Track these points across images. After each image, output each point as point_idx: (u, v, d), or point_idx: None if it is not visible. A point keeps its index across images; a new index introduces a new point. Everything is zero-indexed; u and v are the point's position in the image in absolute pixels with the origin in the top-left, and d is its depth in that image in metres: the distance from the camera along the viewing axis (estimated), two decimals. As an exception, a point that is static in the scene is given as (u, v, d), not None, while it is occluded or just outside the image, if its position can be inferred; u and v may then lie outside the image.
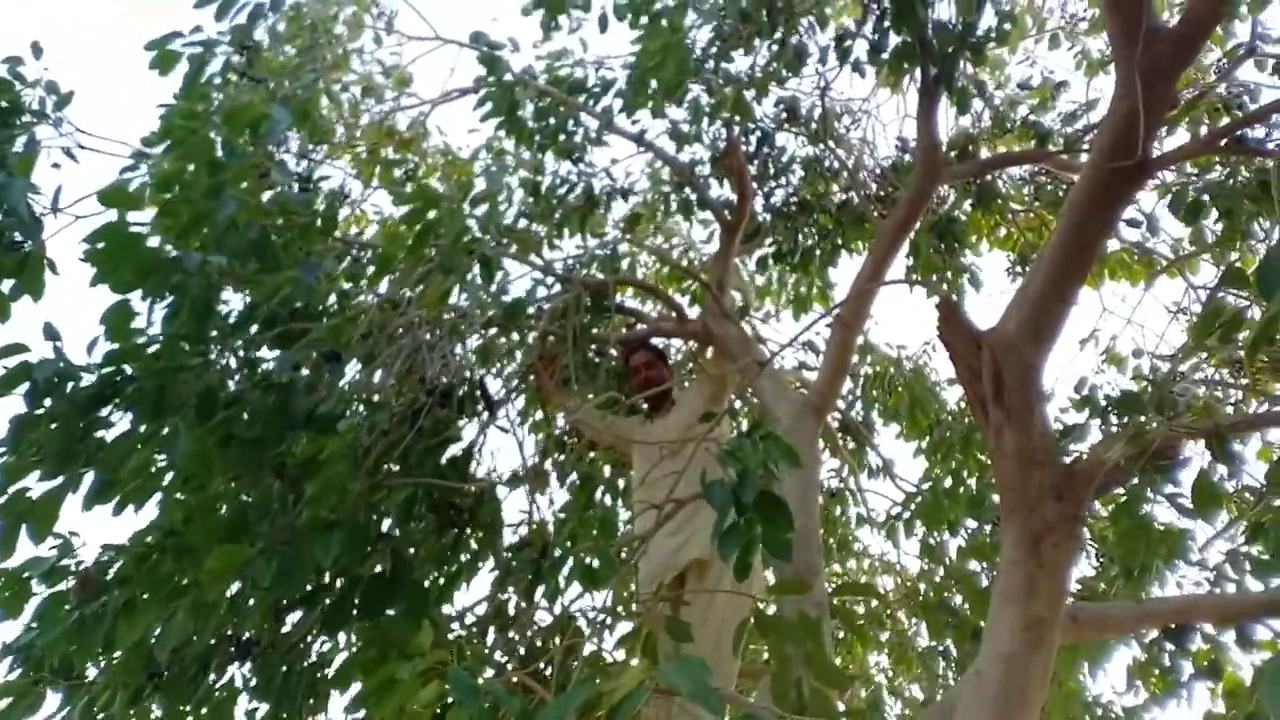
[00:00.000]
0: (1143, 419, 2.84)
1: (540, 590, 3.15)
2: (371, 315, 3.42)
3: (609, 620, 3.03)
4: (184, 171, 3.12)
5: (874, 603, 5.88)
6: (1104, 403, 3.35)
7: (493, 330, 4.18)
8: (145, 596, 2.75)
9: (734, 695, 2.99)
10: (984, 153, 5.18)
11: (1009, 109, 5.27)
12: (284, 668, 3.10)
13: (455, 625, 3.32)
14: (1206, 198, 3.02)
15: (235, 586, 2.92)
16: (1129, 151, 2.42)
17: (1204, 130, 3.76)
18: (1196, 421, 2.47)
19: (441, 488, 3.19)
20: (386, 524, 3.21)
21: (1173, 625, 3.96)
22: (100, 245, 2.90)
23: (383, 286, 3.69)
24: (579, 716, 2.17)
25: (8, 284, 3.09)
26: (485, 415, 3.68)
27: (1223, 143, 3.04)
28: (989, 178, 5.18)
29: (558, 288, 4.48)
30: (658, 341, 4.93)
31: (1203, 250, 3.89)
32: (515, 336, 4.39)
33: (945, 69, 4.00)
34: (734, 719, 3.34)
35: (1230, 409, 3.12)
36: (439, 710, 2.39)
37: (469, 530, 3.31)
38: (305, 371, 3.24)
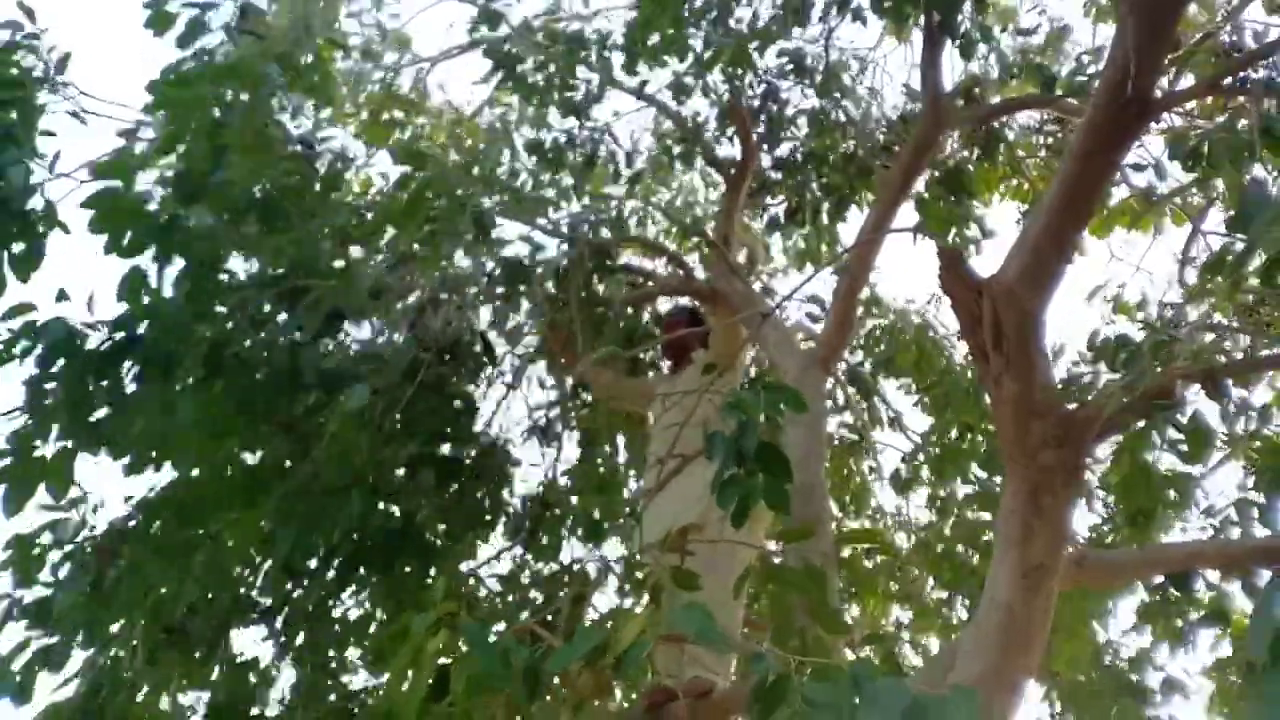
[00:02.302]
0: (1139, 362, 2.83)
1: (545, 544, 3.19)
2: (377, 275, 3.43)
3: (618, 573, 3.07)
4: (184, 133, 3.12)
5: (887, 558, 5.91)
6: (1105, 351, 3.34)
7: (498, 292, 4.18)
8: (161, 556, 2.80)
9: (740, 642, 3.03)
10: (991, 101, 5.11)
11: (1016, 56, 5.19)
12: (303, 629, 3.16)
13: (470, 583, 3.37)
14: (1207, 144, 2.99)
15: (249, 552, 2.97)
16: (1131, 93, 2.39)
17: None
18: (1193, 363, 2.47)
19: (449, 442, 3.22)
20: (395, 484, 3.25)
21: (1178, 572, 3.98)
22: (99, 211, 2.92)
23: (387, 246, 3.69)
24: (587, 663, 2.21)
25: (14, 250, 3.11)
26: (489, 369, 3.69)
27: (1225, 84, 3.00)
28: (996, 125, 5.11)
29: (563, 247, 4.48)
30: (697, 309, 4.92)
31: (1208, 197, 3.85)
32: (523, 302, 4.39)
33: (947, 15, 3.94)
34: (740, 668, 3.40)
35: (1240, 355, 3.10)
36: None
37: (475, 485, 3.34)
38: (310, 332, 3.26)
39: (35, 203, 3.01)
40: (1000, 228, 6.27)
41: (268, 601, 3.06)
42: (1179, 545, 3.84)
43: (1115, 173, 3.07)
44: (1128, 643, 4.91)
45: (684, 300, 4.96)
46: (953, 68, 5.24)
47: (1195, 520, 4.00)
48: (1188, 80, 3.33)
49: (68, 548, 2.97)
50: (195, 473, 2.90)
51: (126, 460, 2.86)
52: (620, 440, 4.93)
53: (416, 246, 3.51)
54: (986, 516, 5.30)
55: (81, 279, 3.08)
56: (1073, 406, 2.65)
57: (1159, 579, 4.29)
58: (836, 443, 6.25)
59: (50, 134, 3.45)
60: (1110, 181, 3.13)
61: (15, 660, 2.94)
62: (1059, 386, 3.03)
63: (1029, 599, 2.52)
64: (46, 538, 3.05)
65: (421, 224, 3.43)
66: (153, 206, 3.00)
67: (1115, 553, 3.76)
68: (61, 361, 2.89)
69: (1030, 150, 5.52)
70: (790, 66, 5.34)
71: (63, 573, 3.00)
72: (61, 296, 2.91)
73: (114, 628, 2.99)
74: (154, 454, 2.89)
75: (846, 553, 5.60)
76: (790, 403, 2.54)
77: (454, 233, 3.44)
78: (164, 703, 2.93)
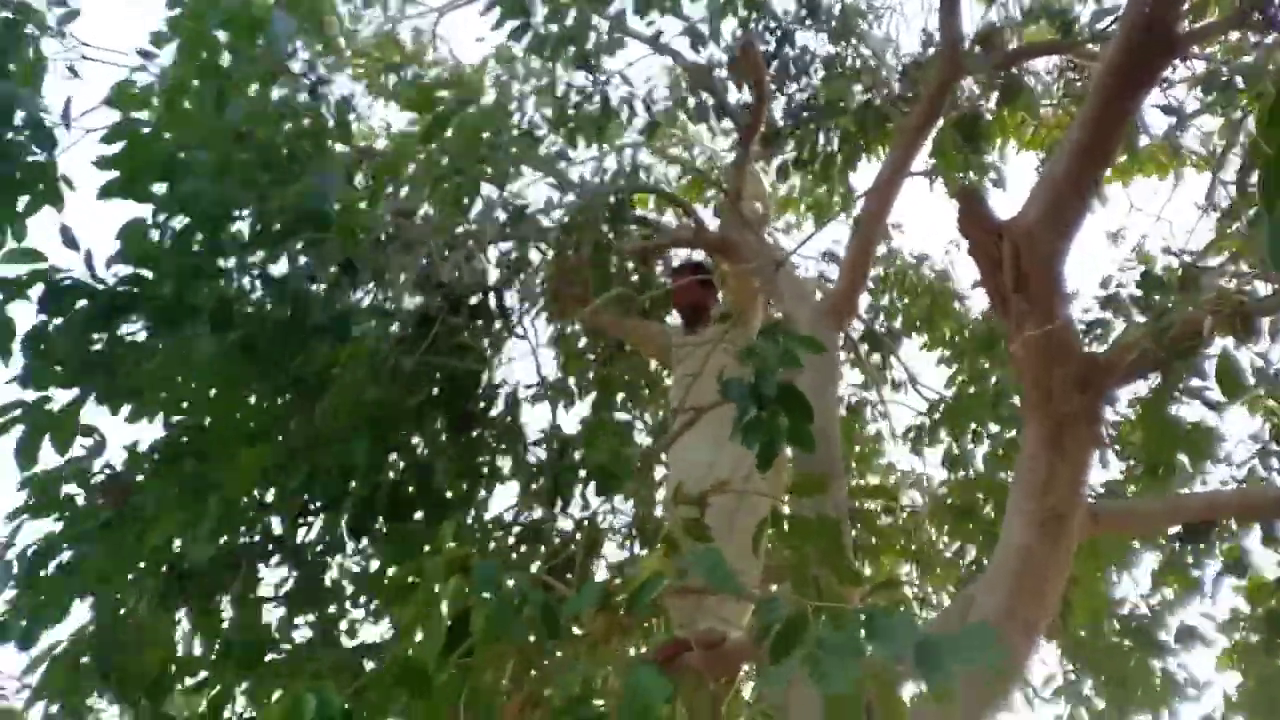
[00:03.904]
0: (1167, 303, 2.78)
1: (560, 495, 3.18)
2: (386, 223, 3.39)
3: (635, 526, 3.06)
4: (191, 76, 3.08)
5: (899, 515, 5.90)
6: (1127, 297, 3.28)
7: (510, 245, 4.14)
8: (170, 499, 2.80)
9: (754, 593, 3.02)
10: (1009, 46, 5.00)
11: (1036, 0, 5.07)
12: (313, 575, 3.16)
13: (481, 535, 3.36)
14: (1240, 79, 2.90)
15: (260, 493, 2.97)
16: (1155, 27, 2.31)
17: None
18: (1221, 303, 2.41)
19: (459, 389, 3.20)
20: (405, 432, 3.24)
21: (1196, 523, 3.94)
22: (117, 144, 2.88)
23: (396, 194, 3.65)
24: (600, 608, 2.20)
25: (22, 201, 3.08)
26: (501, 322, 3.67)
27: (1255, 18, 2.91)
28: (1014, 71, 5.00)
29: (574, 198, 4.42)
30: (705, 263, 4.88)
31: (1232, 143, 3.76)
32: (534, 253, 4.35)
33: (968, -44, 3.83)
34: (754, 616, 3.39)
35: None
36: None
37: (487, 436, 3.33)
38: (320, 281, 3.24)
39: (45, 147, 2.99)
40: (1016, 176, 6.18)
41: (277, 538, 3.05)
42: (1197, 495, 3.81)
43: (1138, 112, 2.99)
44: (1145, 598, 4.91)
45: (694, 255, 4.91)
46: (971, 12, 5.12)
47: (1216, 471, 3.97)
48: (1212, 17, 3.23)
49: (79, 494, 2.96)
50: (206, 420, 2.89)
51: (131, 409, 2.85)
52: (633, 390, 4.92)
53: (427, 194, 3.46)
54: (1002, 474, 5.27)
55: (80, 231, 3.06)
56: (1095, 350, 2.60)
57: (1175, 533, 4.27)
58: (850, 401, 6.23)
59: (73, 72, 3.41)
60: (1132, 121, 3.05)
61: (22, 604, 2.95)
62: (1080, 332, 2.98)
63: (1046, 542, 2.50)
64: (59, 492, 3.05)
65: (436, 168, 3.37)
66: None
67: (1132, 502, 3.73)
68: (69, 311, 2.88)
69: (1050, 97, 5.41)
70: (805, 11, 5.23)
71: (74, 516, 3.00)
72: (70, 243, 2.89)
73: (123, 574, 3.00)
74: (162, 401, 2.88)
75: (862, 509, 5.60)
76: (806, 346, 2.51)
77: (471, 176, 3.38)
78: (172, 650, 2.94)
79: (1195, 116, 3.95)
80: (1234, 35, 3.89)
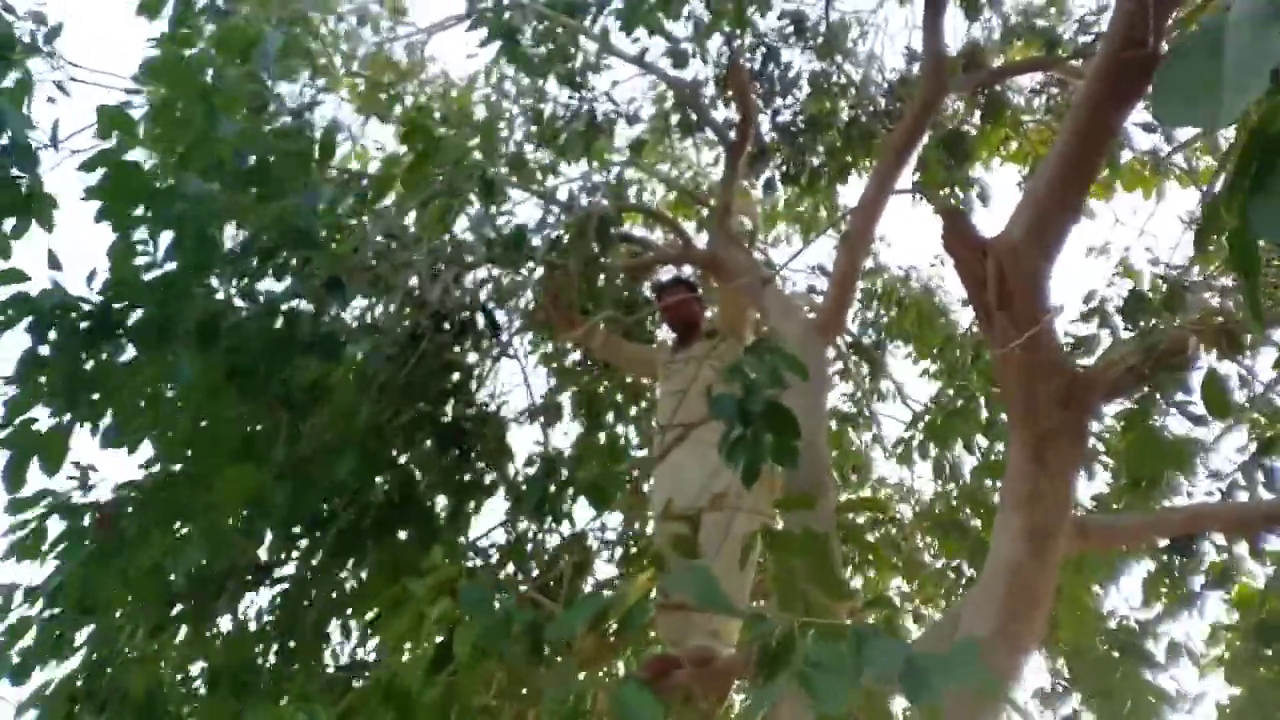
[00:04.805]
0: (1152, 319, 2.80)
1: (549, 513, 3.17)
2: (374, 242, 3.40)
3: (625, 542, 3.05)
4: (177, 101, 3.08)
5: (890, 529, 5.91)
6: (1113, 311, 3.30)
7: (496, 265, 4.15)
8: (158, 525, 2.79)
9: (742, 607, 3.02)
10: (993, 64, 5.05)
11: (1020, 18, 5.12)
12: (301, 598, 3.15)
13: (470, 554, 3.35)
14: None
15: (247, 515, 2.95)
16: (1139, 43, 2.34)
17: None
18: (1206, 319, 2.43)
19: (446, 410, 3.20)
20: (394, 452, 3.23)
21: (1182, 536, 3.96)
22: (100, 171, 2.88)
23: (385, 214, 3.66)
24: (590, 628, 2.20)
25: (8, 223, 3.07)
26: (490, 341, 3.67)
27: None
28: (998, 88, 5.05)
29: (562, 216, 4.44)
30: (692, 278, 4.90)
31: (1217, 156, 3.80)
32: (524, 271, 4.36)
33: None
34: (743, 633, 3.39)
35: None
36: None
37: (475, 454, 3.32)
38: (307, 300, 3.24)
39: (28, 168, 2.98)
40: (1000, 192, 6.23)
41: (264, 562, 3.05)
42: (1182, 509, 3.82)
43: (1121, 128, 3.02)
44: (1133, 612, 4.91)
45: (681, 271, 4.93)
46: (955, 31, 5.17)
47: (1201, 485, 3.99)
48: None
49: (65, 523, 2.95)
50: (192, 442, 2.87)
51: (117, 431, 2.84)
52: (623, 410, 4.93)
53: (415, 214, 3.47)
54: (989, 485, 5.29)
55: (68, 250, 3.05)
56: (1080, 365, 2.62)
57: (1164, 545, 4.28)
58: (839, 414, 6.24)
59: (51, 100, 3.42)
60: (1116, 137, 3.08)
61: (15, 643, 2.94)
62: (1064, 347, 3.00)
63: (1034, 559, 2.51)
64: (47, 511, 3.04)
65: (426, 188, 3.39)
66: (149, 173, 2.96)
67: (1119, 516, 3.74)
68: (52, 335, 2.87)
69: (1033, 114, 5.47)
70: (791, 28, 5.27)
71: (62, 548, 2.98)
72: (54, 264, 2.88)
73: (113, 602, 2.99)
74: (148, 423, 2.87)
75: (853, 523, 5.60)
76: (790, 366, 2.53)
77: (461, 196, 3.40)
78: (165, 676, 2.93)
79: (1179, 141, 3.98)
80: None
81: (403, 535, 3.09)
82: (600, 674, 2.37)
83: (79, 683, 2.91)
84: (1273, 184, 1.07)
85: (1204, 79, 0.98)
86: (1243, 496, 3.86)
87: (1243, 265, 1.18)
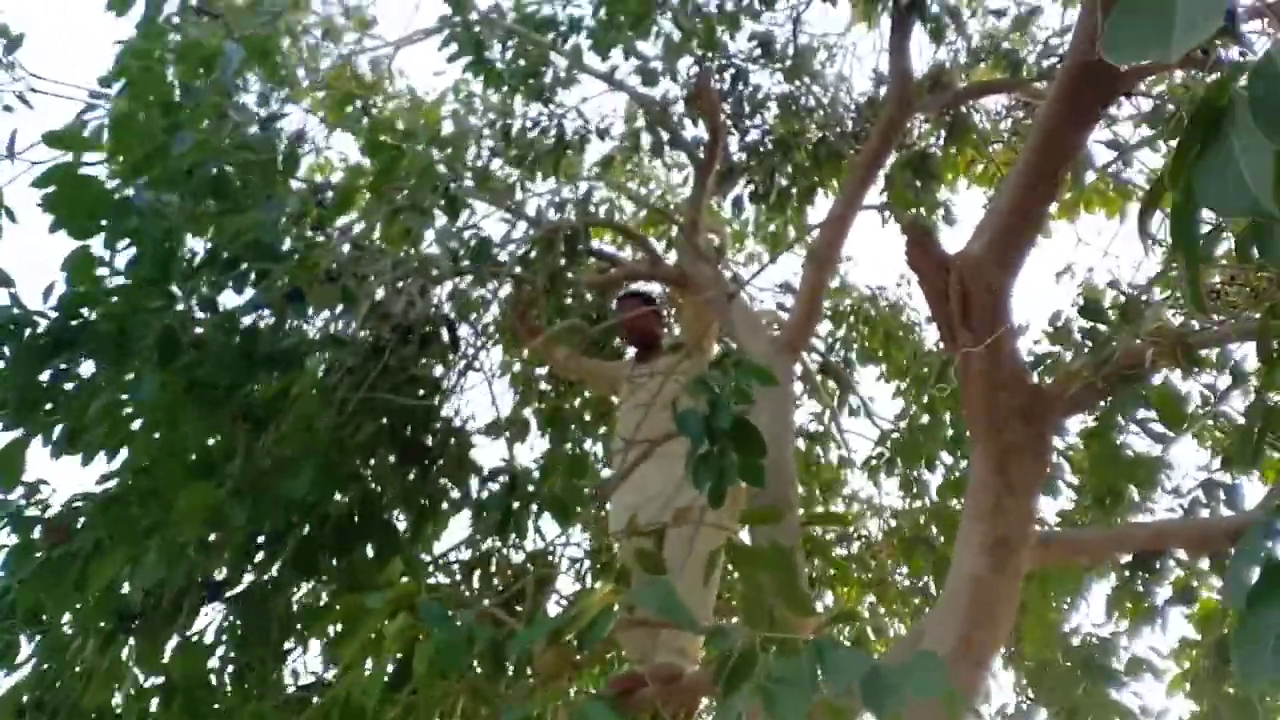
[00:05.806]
0: (1107, 330, 2.83)
1: (512, 528, 3.14)
2: (336, 254, 3.37)
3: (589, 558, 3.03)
4: (140, 111, 3.05)
5: (854, 545, 5.91)
6: (1076, 330, 3.33)
7: (465, 278, 4.12)
8: (114, 540, 2.72)
9: (704, 621, 3.00)
10: (959, 85, 5.12)
11: (984, 40, 5.20)
12: (258, 614, 3.09)
13: (431, 570, 3.31)
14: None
15: (205, 530, 2.90)
16: (1099, 64, 2.37)
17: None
18: (1161, 331, 2.46)
19: (409, 424, 3.17)
20: (354, 465, 3.19)
21: (1145, 552, 3.99)
22: (51, 188, 2.84)
23: (348, 227, 3.63)
24: (550, 643, 2.17)
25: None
26: (453, 355, 3.64)
27: (1198, 54, 2.99)
28: (963, 110, 5.12)
29: (530, 230, 4.43)
30: (651, 292, 4.90)
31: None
32: (491, 285, 4.34)
33: (916, -3, 3.94)
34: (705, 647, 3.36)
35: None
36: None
37: (437, 469, 3.29)
38: (268, 312, 3.19)
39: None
40: (965, 213, 6.31)
41: (222, 579, 2.99)
42: (1144, 525, 3.85)
43: (1084, 146, 3.06)
44: (1096, 628, 4.94)
45: (643, 286, 4.92)
46: (921, 53, 5.24)
47: (1162, 501, 4.02)
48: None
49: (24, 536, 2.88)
50: (151, 455, 2.82)
51: (73, 445, 2.78)
52: (588, 425, 4.91)
53: (379, 227, 3.45)
54: (955, 504, 5.30)
55: (21, 262, 3.00)
56: (1042, 380, 2.64)
57: (1126, 561, 4.31)
58: (805, 431, 6.25)
59: (9, 109, 3.37)
60: (1078, 155, 3.12)
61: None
62: (1027, 364, 3.02)
63: (997, 572, 2.52)
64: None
65: (389, 202, 3.37)
66: (110, 183, 2.92)
67: (1081, 531, 3.77)
68: (6, 350, 2.82)
69: (998, 136, 5.54)
70: (759, 50, 5.31)
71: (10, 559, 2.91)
72: (3, 281, 2.83)
73: (65, 615, 2.92)
74: (106, 437, 2.81)
75: (820, 539, 5.60)
76: (758, 378, 2.52)
77: (424, 211, 3.38)
78: (116, 696, 2.86)
79: (1137, 149, 4.05)
80: (1178, 73, 4.01)
81: (365, 551, 3.04)
82: (564, 691, 2.33)
83: (25, 698, 2.83)
84: (1217, 155, 1.09)
85: (1156, 14, 0.99)
86: (1204, 513, 3.90)
87: (1183, 240, 1.19)
